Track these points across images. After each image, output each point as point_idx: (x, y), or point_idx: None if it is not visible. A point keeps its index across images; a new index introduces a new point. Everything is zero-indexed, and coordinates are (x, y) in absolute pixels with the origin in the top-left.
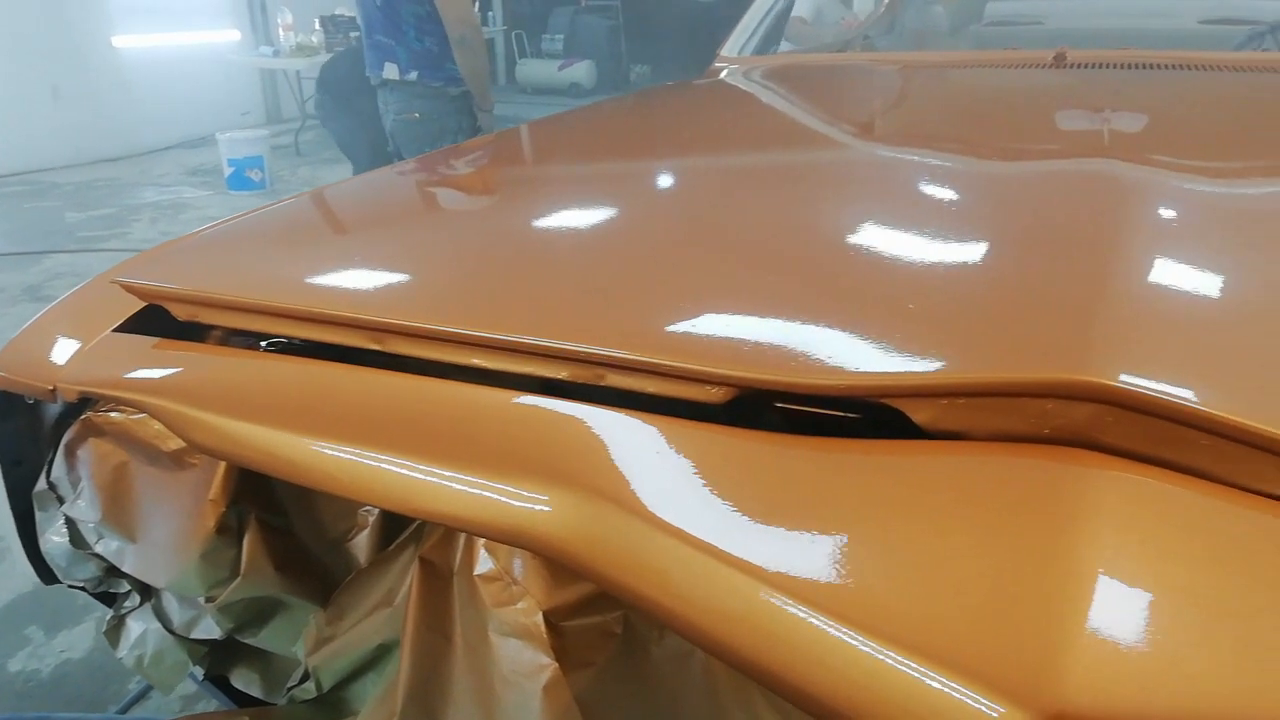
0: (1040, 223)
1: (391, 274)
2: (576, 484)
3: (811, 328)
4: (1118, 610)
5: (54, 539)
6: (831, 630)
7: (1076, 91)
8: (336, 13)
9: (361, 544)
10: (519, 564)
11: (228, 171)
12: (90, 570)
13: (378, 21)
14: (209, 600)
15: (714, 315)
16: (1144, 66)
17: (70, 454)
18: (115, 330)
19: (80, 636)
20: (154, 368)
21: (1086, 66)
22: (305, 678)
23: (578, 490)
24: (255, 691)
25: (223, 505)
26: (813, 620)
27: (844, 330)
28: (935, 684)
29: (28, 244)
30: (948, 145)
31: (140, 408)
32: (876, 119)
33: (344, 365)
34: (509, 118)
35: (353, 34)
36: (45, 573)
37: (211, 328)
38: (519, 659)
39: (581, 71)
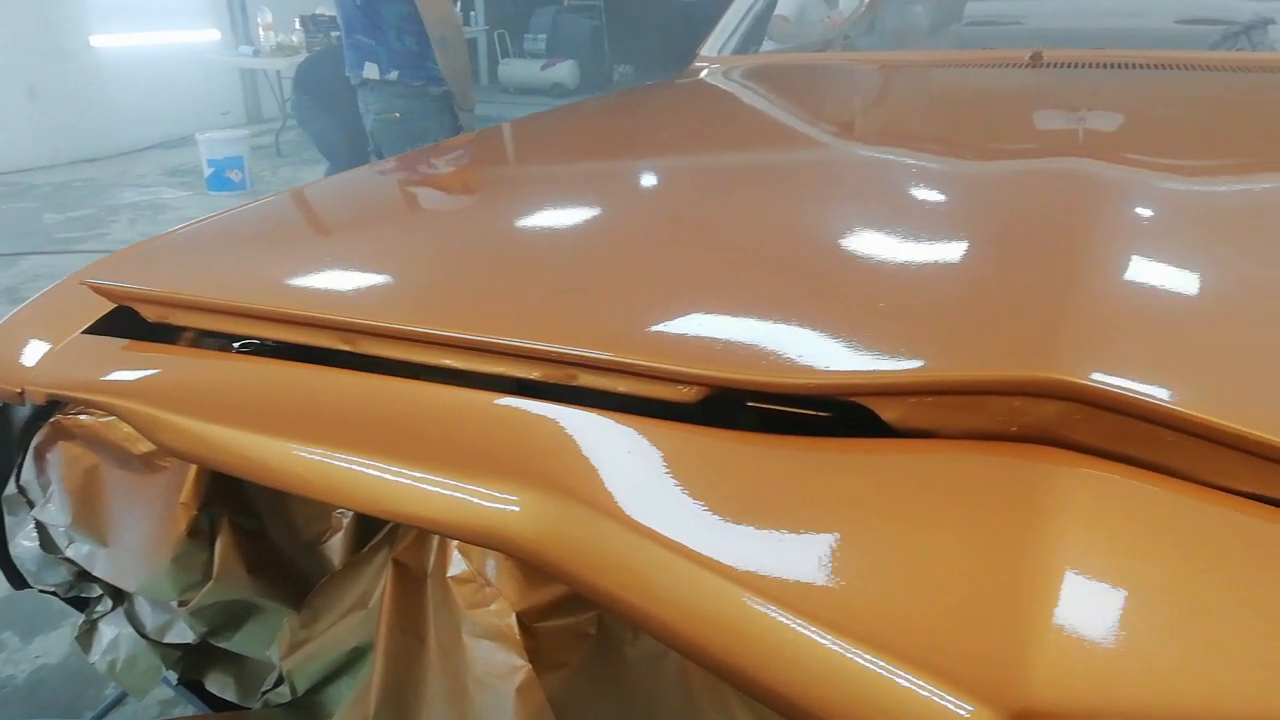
0: (1012, 221)
1: (363, 274)
2: (546, 484)
3: (783, 327)
4: (1086, 607)
5: (24, 543)
6: (801, 630)
7: (1051, 91)
8: (317, 12)
9: (336, 546)
10: (492, 565)
11: (207, 172)
12: (61, 575)
13: (358, 21)
14: (181, 604)
15: (686, 315)
16: (1119, 66)
17: (40, 457)
18: (85, 332)
19: (56, 642)
20: (123, 370)
21: (1062, 66)
22: (280, 681)
23: (547, 490)
24: (230, 696)
25: (194, 508)
26: (782, 620)
27: (815, 329)
28: (904, 683)
29: (5, 245)
30: (921, 144)
31: (109, 410)
32: (852, 118)
33: (315, 366)
34: (492, 117)
35: (333, 34)
36: (15, 578)
37: (183, 329)
38: (492, 661)
39: (564, 71)
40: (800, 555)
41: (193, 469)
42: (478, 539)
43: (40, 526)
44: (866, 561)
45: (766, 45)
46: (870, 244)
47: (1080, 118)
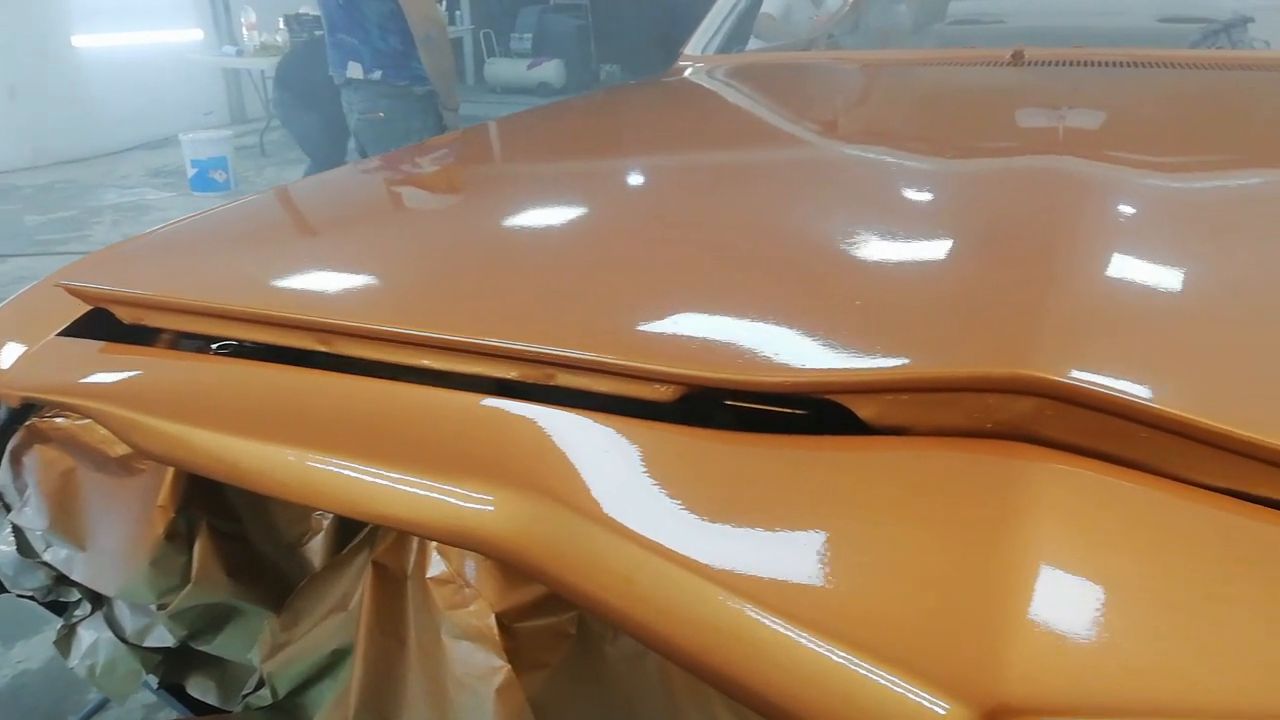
0: (989, 219)
1: (340, 275)
2: (521, 484)
3: (760, 326)
4: (1061, 603)
5: (1, 548)
6: (778, 629)
7: (1031, 89)
8: (301, 11)
9: (316, 548)
10: (472, 566)
11: (191, 173)
12: (39, 579)
13: (341, 20)
14: (161, 608)
15: (664, 314)
16: (1099, 64)
17: (15, 461)
18: (60, 334)
19: (38, 646)
20: (99, 372)
21: (1043, 64)
22: (261, 684)
23: (522, 490)
24: (211, 699)
25: (171, 511)
26: (759, 619)
27: (792, 328)
28: (881, 681)
29: None
30: (900, 143)
31: (84, 413)
32: (832, 117)
33: (292, 368)
34: (478, 117)
35: (317, 32)
36: None
37: (161, 331)
38: (471, 661)
39: (550, 70)
40: (776, 553)
41: (170, 471)
42: (454, 539)
43: (17, 531)
44: (842, 559)
45: (753, 44)
46: (848, 242)
47: (1060, 115)
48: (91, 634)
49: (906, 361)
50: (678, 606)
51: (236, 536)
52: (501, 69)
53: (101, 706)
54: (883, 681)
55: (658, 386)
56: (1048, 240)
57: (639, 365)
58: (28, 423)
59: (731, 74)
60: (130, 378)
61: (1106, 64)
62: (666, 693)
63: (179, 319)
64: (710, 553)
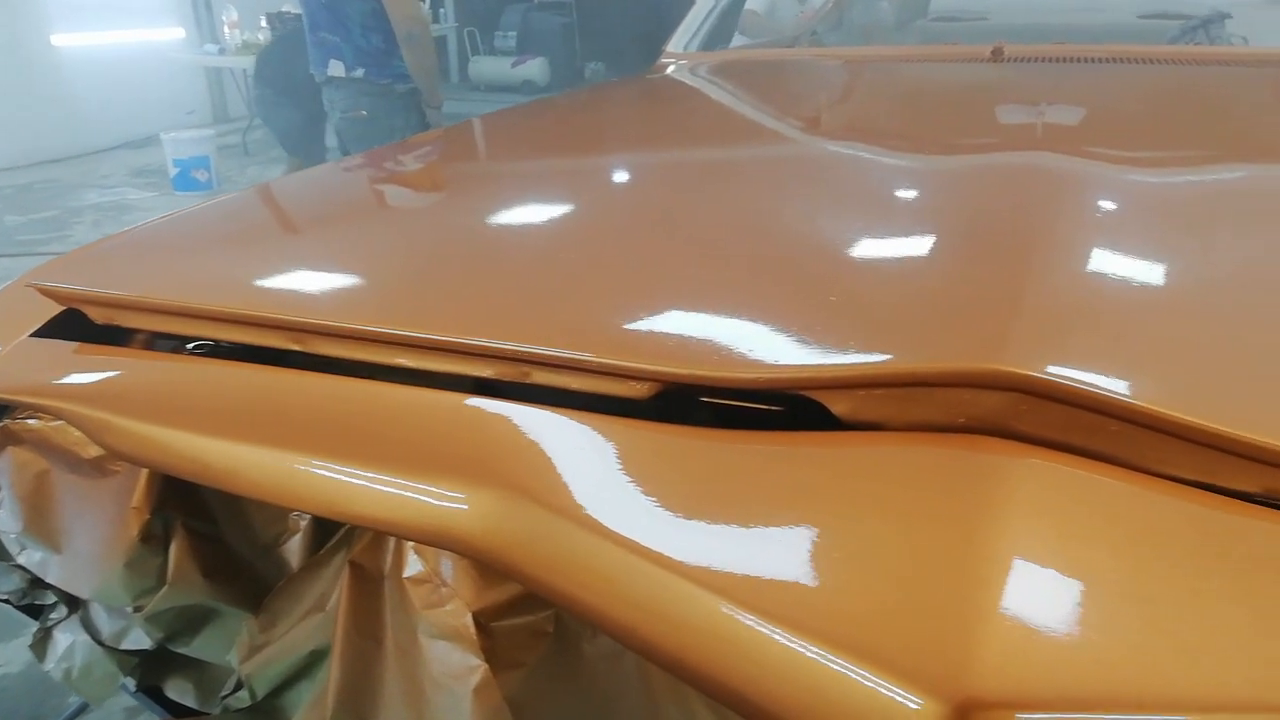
0: (966, 215)
1: (313, 273)
2: (494, 482)
3: (735, 322)
4: (1033, 597)
5: None
6: (752, 625)
7: (1010, 85)
8: (283, 10)
9: (294, 549)
10: (448, 566)
11: (173, 172)
12: (14, 582)
13: (322, 18)
14: (137, 610)
15: (640, 311)
16: (1078, 60)
17: None
18: (33, 335)
19: (17, 650)
20: (72, 373)
21: (1022, 60)
22: (239, 686)
23: (496, 488)
24: (190, 701)
25: (146, 513)
26: (732, 615)
27: (767, 324)
28: (855, 677)
29: None
30: (878, 139)
31: (57, 414)
32: (812, 114)
33: (267, 367)
34: (462, 115)
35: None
36: None
37: (135, 331)
38: (448, 661)
39: (535, 69)
40: (750, 550)
41: (144, 473)
42: (428, 539)
43: None
44: (817, 555)
45: (738, 40)
46: (824, 238)
47: (1035, 111)
48: (68, 637)
49: (879, 357)
50: (652, 603)
51: (212, 537)
52: (486, 67)
53: (82, 710)
54: (856, 677)
55: (633, 384)
56: (1023, 236)
57: (615, 363)
58: (0, 425)
59: (714, 71)
60: (103, 378)
61: (1085, 60)
62: (645, 690)
63: (152, 319)
64: (684, 549)
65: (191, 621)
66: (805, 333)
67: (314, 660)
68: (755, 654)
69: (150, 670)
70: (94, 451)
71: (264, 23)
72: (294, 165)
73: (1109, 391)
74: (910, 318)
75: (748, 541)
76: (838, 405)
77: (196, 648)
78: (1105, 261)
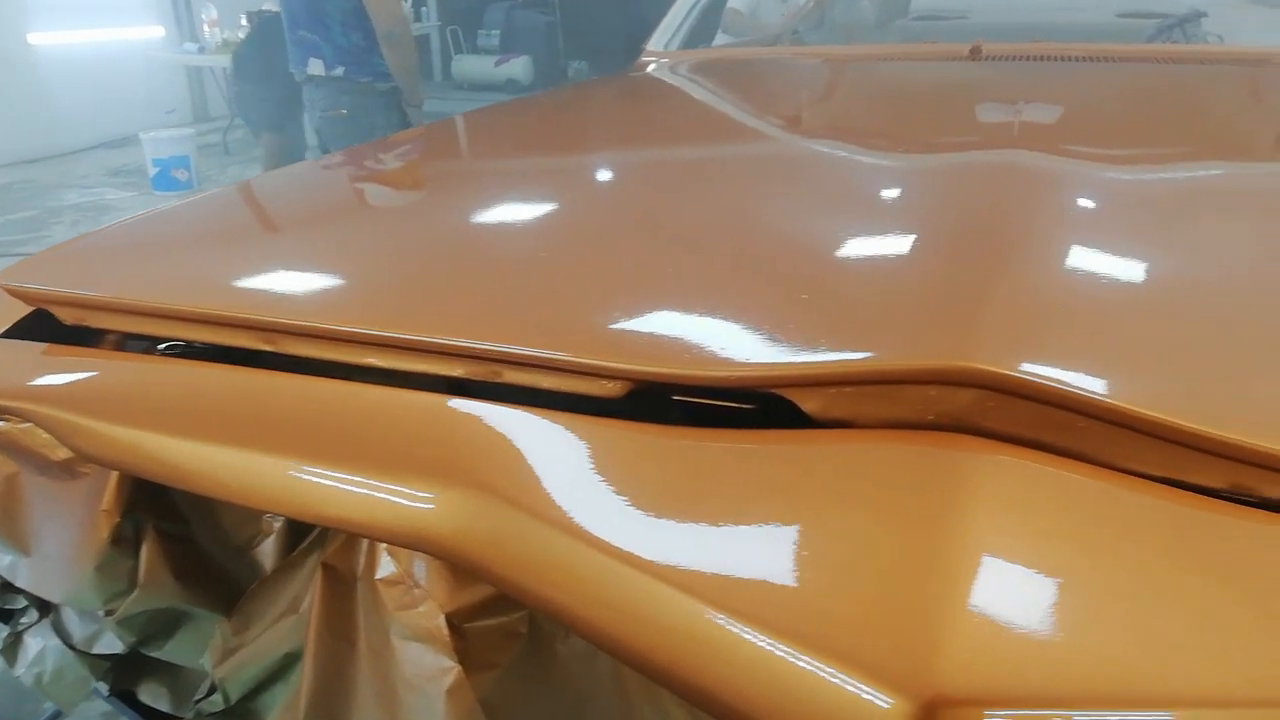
0: (939, 213)
1: (285, 273)
2: (462, 481)
3: (707, 320)
4: (1001, 593)
5: None
6: (722, 624)
7: (987, 83)
8: (263, 8)
9: (267, 551)
10: (421, 567)
11: (153, 172)
12: None
13: (302, 16)
14: (108, 614)
15: (610, 310)
16: (1054, 59)
17: None
18: (1, 336)
19: None
20: (39, 375)
21: (1000, 59)
22: (212, 690)
23: (464, 487)
24: (164, 706)
25: (116, 515)
26: (702, 614)
27: (738, 322)
28: (825, 675)
29: None
30: (854, 138)
31: (25, 416)
32: (789, 112)
33: (236, 368)
34: (445, 114)
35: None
36: None
37: (106, 332)
38: (421, 663)
39: (518, 67)
40: (720, 549)
41: (114, 475)
42: (396, 539)
43: None
44: (786, 554)
45: (721, 39)
46: (797, 237)
47: (1010, 109)
48: (39, 641)
49: (849, 355)
50: (621, 602)
51: (184, 540)
52: (469, 66)
53: (56, 717)
54: (826, 676)
55: (605, 383)
56: (994, 234)
57: (585, 361)
58: None
59: (694, 70)
60: (72, 380)
61: (1062, 58)
62: (619, 690)
63: (122, 319)
64: (653, 548)
65: (164, 625)
66: (776, 331)
67: (288, 663)
68: (725, 653)
69: (123, 675)
70: (63, 454)
71: (244, 21)
72: (271, 161)
73: (1076, 388)
74: (880, 315)
75: (717, 540)
76: (808, 403)
77: (170, 651)
78: (1075, 259)
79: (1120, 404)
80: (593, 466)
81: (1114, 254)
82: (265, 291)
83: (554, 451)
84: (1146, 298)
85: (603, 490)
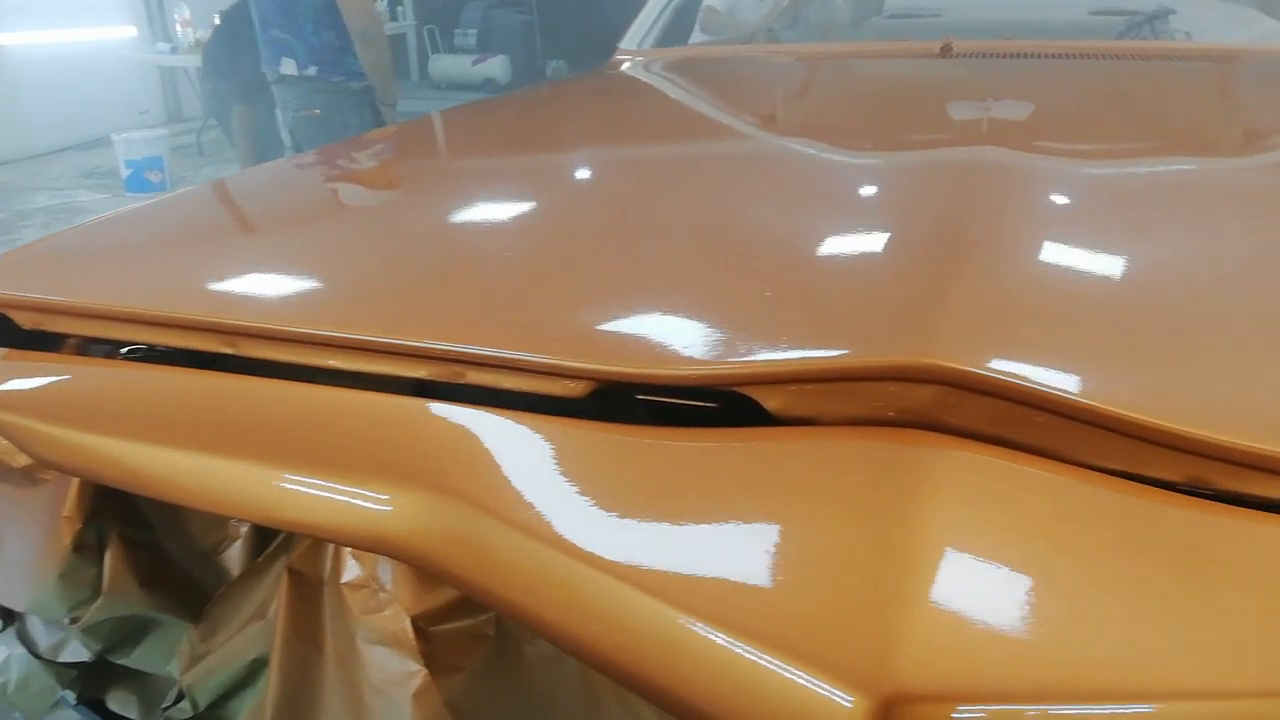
0: (903, 210)
1: (246, 275)
2: (421, 482)
3: (670, 319)
4: (960, 589)
5: None
6: (684, 624)
7: (956, 81)
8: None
9: (234, 556)
10: (387, 570)
11: (125, 173)
12: None
13: (273, 15)
14: (73, 622)
15: (574, 310)
16: (1024, 56)
17: None
18: None
19: None
20: None
21: (970, 56)
22: (180, 697)
23: (422, 489)
24: (133, 714)
25: (79, 522)
26: (665, 614)
27: (701, 321)
28: (787, 675)
29: None
30: (822, 136)
31: None
32: (759, 110)
33: (196, 371)
34: (422, 114)
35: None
36: None
37: (66, 336)
38: (387, 667)
39: (496, 67)
40: (681, 549)
41: (76, 481)
42: (356, 542)
43: None
44: (747, 553)
45: (698, 36)
46: (762, 234)
47: (983, 106)
48: (3, 650)
49: (809, 353)
50: (581, 603)
51: (149, 546)
52: (446, 65)
53: None
54: (787, 675)
55: (567, 383)
56: (957, 230)
57: (548, 361)
58: None
59: (667, 68)
60: (30, 385)
61: (1031, 55)
62: (587, 691)
63: (79, 323)
64: (613, 548)
65: (130, 632)
66: (739, 329)
67: (256, 669)
68: (687, 653)
69: (90, 683)
70: (23, 460)
71: (217, 20)
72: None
73: (1035, 383)
74: (842, 312)
75: (678, 540)
76: (770, 401)
77: (137, 659)
78: (1037, 255)
79: (1079, 399)
80: (554, 466)
81: (1075, 250)
82: (226, 294)
83: (515, 452)
84: (1106, 293)
85: (563, 490)
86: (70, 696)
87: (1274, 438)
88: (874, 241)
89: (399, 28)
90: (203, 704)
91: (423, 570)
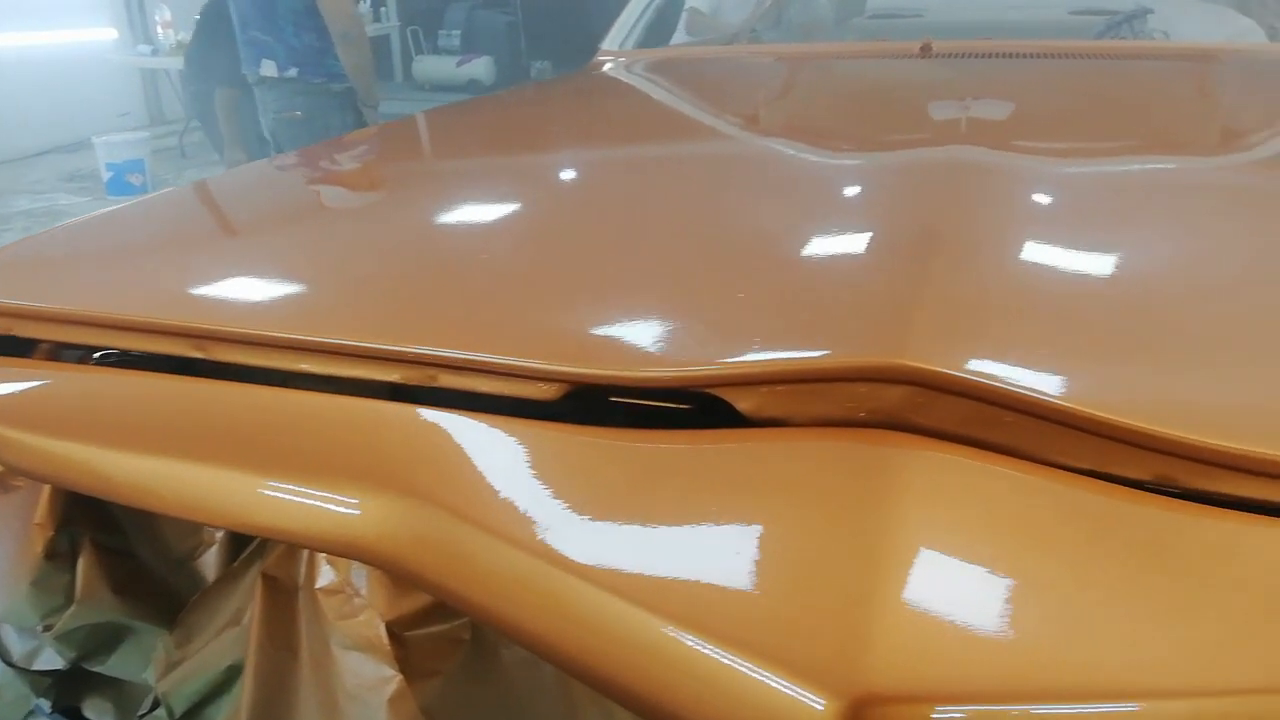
0: (875, 210)
1: (218, 279)
2: (390, 485)
3: (643, 321)
4: (930, 589)
5: None
6: (656, 628)
7: (934, 81)
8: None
9: (209, 562)
10: (361, 575)
11: (107, 176)
12: None
13: (253, 17)
14: (46, 629)
15: (546, 312)
16: (1002, 56)
17: None
18: None
19: None
20: None
21: (949, 56)
22: (156, 704)
23: (390, 491)
24: None
25: (51, 529)
26: (636, 618)
27: (674, 323)
28: (759, 678)
29: None
30: (798, 136)
31: None
32: (737, 111)
33: (167, 376)
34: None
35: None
36: None
37: (37, 341)
38: (362, 672)
39: (480, 68)
40: (652, 552)
41: (47, 488)
42: (327, 546)
43: None
44: (719, 555)
45: (681, 37)
46: (736, 236)
47: (962, 106)
48: None
49: (778, 355)
50: (551, 605)
51: (123, 553)
52: (430, 66)
53: None
54: (759, 678)
55: (540, 385)
56: (930, 230)
57: (520, 364)
58: None
59: (648, 69)
60: (0, 392)
61: (1009, 55)
62: (564, 695)
63: (48, 328)
64: (582, 551)
65: (105, 640)
66: (711, 330)
67: (232, 676)
68: (658, 656)
69: (66, 691)
70: None
71: (199, 18)
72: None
73: (1004, 383)
74: (813, 314)
75: (649, 543)
76: (742, 403)
77: (112, 666)
78: (1008, 255)
79: (1048, 398)
80: (525, 469)
81: (1046, 249)
82: (197, 298)
83: (487, 455)
84: (1076, 293)
85: (533, 492)
86: (45, 705)
87: (1241, 436)
88: (847, 243)
89: (382, 29)
90: (179, 711)
91: (395, 575)
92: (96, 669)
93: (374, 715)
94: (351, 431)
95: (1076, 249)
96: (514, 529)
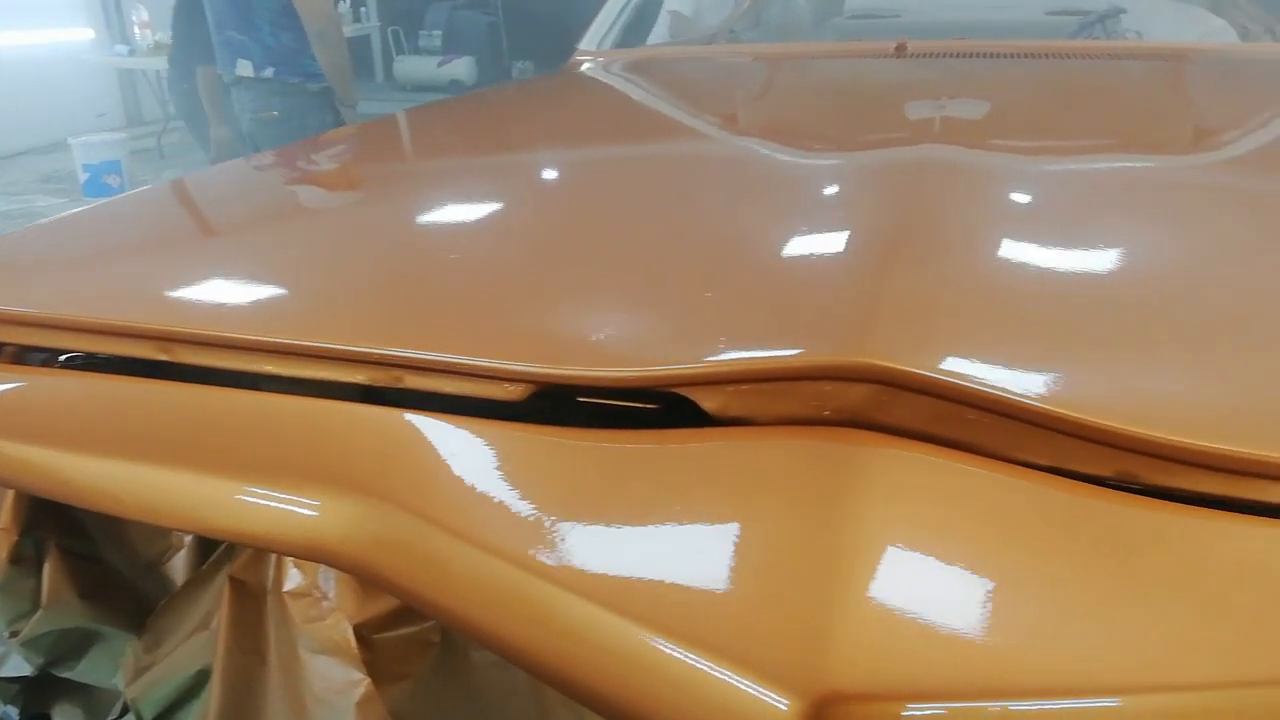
0: (842, 209)
1: (183, 280)
2: (350, 487)
3: (609, 321)
4: (893, 587)
5: None
6: (618, 627)
7: (910, 80)
8: None
9: (179, 566)
10: (329, 578)
11: (83, 177)
12: None
13: (228, 16)
14: (12, 635)
15: (512, 312)
16: (978, 55)
17: None
18: None
19: None
20: None
21: (924, 56)
22: (126, 710)
23: (349, 492)
24: None
25: (15, 534)
26: (600, 618)
27: (641, 323)
28: (722, 678)
29: None
30: (771, 135)
31: None
32: (712, 110)
33: (131, 379)
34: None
35: None
36: None
37: (2, 345)
38: (330, 676)
39: (461, 68)
40: (616, 552)
41: (11, 492)
42: (289, 549)
43: None
44: (683, 555)
45: (665, 38)
46: (704, 235)
47: (936, 105)
48: None
49: (742, 354)
50: (513, 606)
51: (90, 557)
52: (411, 67)
53: None
54: (722, 679)
55: (506, 386)
56: (896, 229)
57: (486, 365)
58: None
59: (626, 68)
60: None
61: (984, 55)
62: (536, 697)
63: (10, 331)
64: (546, 551)
65: (74, 645)
66: (677, 330)
67: (201, 680)
68: (622, 657)
69: (34, 697)
70: None
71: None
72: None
73: (967, 381)
74: (778, 313)
75: (614, 544)
76: (708, 402)
77: (81, 672)
78: (973, 253)
79: (1010, 396)
80: (490, 470)
81: (1011, 248)
82: (161, 299)
83: (452, 456)
84: (1039, 291)
85: (497, 493)
86: (13, 712)
87: (1202, 432)
88: (814, 242)
89: (363, 29)
90: (148, 716)
91: (359, 577)
92: (65, 675)
93: (342, 719)
94: (315, 434)
95: (1042, 248)
96: (478, 531)
